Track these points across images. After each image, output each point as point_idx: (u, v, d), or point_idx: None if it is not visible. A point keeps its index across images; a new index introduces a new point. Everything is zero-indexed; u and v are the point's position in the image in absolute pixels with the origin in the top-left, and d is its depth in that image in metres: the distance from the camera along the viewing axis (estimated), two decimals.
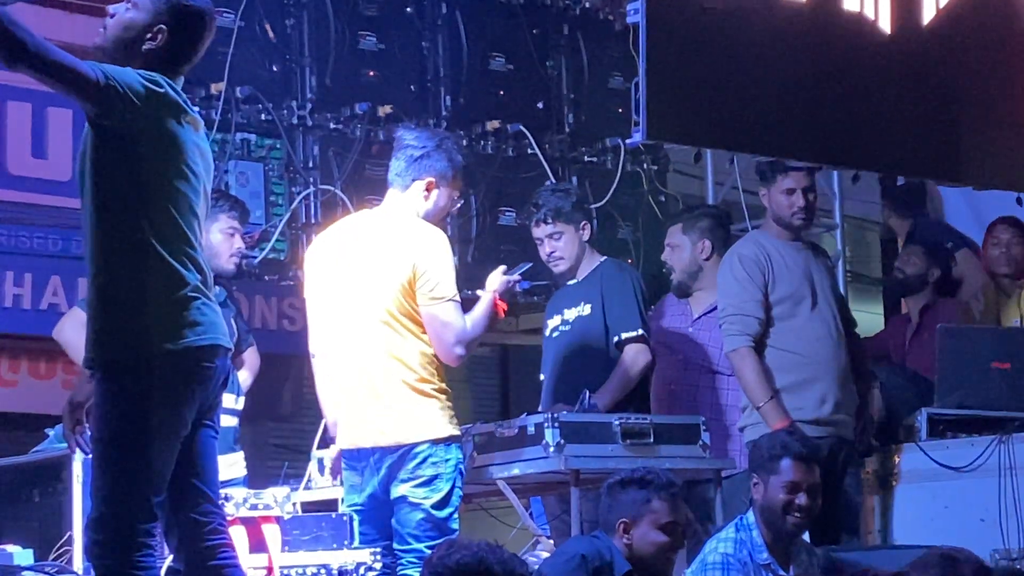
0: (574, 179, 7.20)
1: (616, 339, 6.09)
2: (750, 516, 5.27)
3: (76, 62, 3.93)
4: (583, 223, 6.22)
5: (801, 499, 5.20)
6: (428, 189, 5.28)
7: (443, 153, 5.29)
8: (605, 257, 6.33)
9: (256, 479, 6.24)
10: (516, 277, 5.41)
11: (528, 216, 6.32)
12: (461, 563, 4.04)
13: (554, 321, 6.31)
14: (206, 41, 4.23)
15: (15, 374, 7.67)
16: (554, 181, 6.98)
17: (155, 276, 4.02)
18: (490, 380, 10.38)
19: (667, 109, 5.52)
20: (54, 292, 7.76)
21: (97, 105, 3.97)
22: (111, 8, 4.18)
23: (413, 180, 5.28)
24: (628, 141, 6.21)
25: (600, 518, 5.05)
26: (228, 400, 6.23)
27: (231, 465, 6.22)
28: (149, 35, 4.10)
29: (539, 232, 6.26)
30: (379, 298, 5.18)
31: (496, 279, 5.34)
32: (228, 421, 6.22)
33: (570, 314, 6.22)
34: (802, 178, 6.08)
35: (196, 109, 6.07)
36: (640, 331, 6.08)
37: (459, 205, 5.53)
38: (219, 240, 5.98)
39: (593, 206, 6.99)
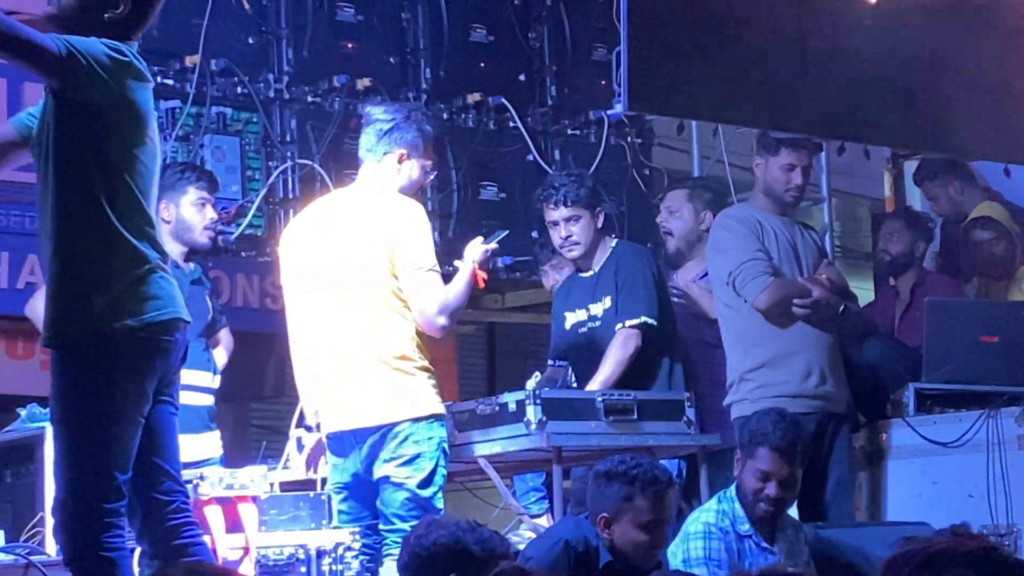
0: (557, 152, 7.11)
1: (619, 326, 6.00)
2: (733, 489, 5.25)
3: (37, 36, 3.86)
4: (598, 209, 6.13)
5: (771, 489, 5.18)
6: (400, 161, 5.21)
7: (412, 124, 5.23)
8: (617, 240, 6.25)
9: (239, 460, 6.16)
10: (494, 246, 5.35)
11: (544, 198, 6.18)
12: (438, 542, 3.97)
13: (577, 315, 6.21)
14: (160, 6, 4.18)
15: None
16: (536, 155, 6.89)
17: (116, 254, 3.99)
18: (477, 358, 10.33)
19: (649, 80, 5.44)
20: (31, 271, 7.66)
21: (61, 79, 3.92)
22: None
23: (384, 154, 5.21)
24: (610, 113, 6.13)
25: (587, 505, 4.97)
26: (204, 379, 6.17)
27: (207, 444, 6.15)
28: (110, 3, 4.03)
29: (555, 215, 6.14)
30: (358, 277, 5.10)
31: (475, 249, 5.27)
32: (203, 400, 6.16)
33: (596, 309, 6.14)
34: (804, 156, 6.03)
35: (171, 82, 6.15)
36: (642, 319, 5.98)
37: (433, 176, 5.43)
38: (191, 213, 5.92)
39: None
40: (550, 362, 6.34)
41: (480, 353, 10.43)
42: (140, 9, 4.09)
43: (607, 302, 6.08)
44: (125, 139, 4.00)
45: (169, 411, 4.14)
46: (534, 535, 6.10)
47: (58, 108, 3.97)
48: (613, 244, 6.20)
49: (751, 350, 5.95)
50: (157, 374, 4.03)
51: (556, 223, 6.16)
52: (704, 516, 5.17)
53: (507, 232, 5.50)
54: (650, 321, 5.99)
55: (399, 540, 5.03)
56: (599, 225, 6.14)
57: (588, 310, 6.17)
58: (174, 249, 6.02)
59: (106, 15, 4.03)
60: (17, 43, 3.82)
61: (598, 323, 6.12)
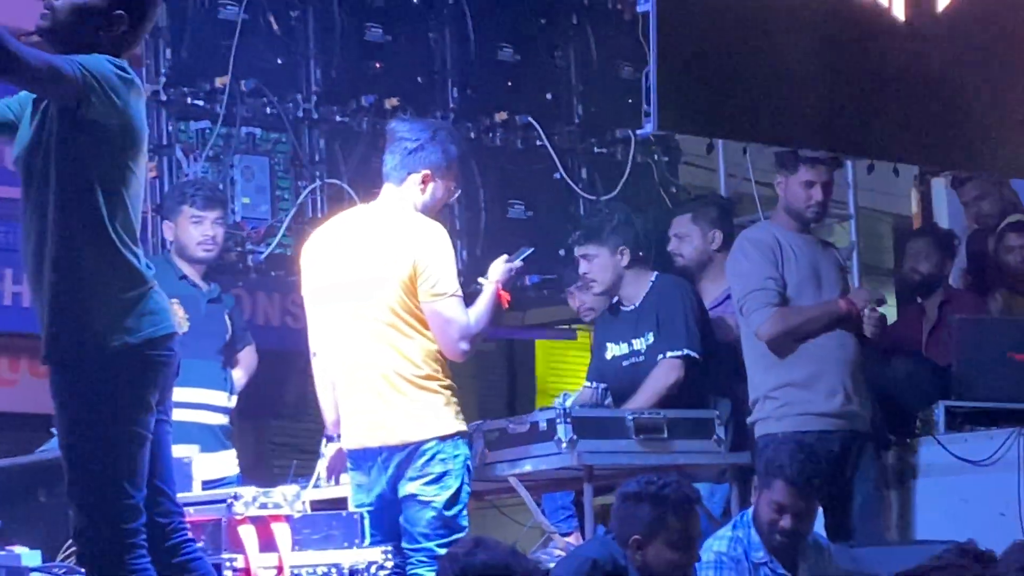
0: (584, 171, 7.12)
1: (660, 357, 6.00)
2: (749, 514, 5.26)
3: (53, 61, 3.87)
4: (620, 247, 6.12)
5: (785, 521, 5.18)
6: (424, 182, 5.17)
7: (438, 145, 5.17)
8: (656, 274, 6.22)
9: (260, 478, 6.17)
10: (518, 263, 5.31)
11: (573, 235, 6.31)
12: (489, 564, 3.96)
13: (619, 348, 6.21)
14: (153, 23, 4.20)
15: (15, 373, 7.56)
16: (563, 173, 6.92)
17: (116, 271, 4.00)
18: (497, 376, 10.32)
19: (678, 99, 5.44)
20: None
21: (75, 101, 3.92)
22: None
23: (408, 174, 5.16)
24: (639, 132, 6.12)
25: (613, 527, 4.96)
26: (220, 398, 6.22)
27: (224, 463, 6.18)
28: (106, 20, 4.03)
29: (577, 252, 6.23)
30: (380, 295, 5.08)
31: (498, 268, 5.24)
32: (219, 419, 6.21)
33: (638, 344, 6.13)
34: (823, 172, 6.01)
35: (200, 103, 6.19)
36: (683, 351, 5.97)
37: (456, 195, 5.41)
38: (185, 231, 6.01)
39: (603, 198, 6.91)
40: (587, 384, 6.35)
41: (500, 371, 10.42)
42: (135, 30, 4.10)
43: (650, 338, 6.07)
44: (126, 156, 4.02)
45: (165, 430, 4.14)
46: (563, 554, 6.12)
47: (64, 127, 3.96)
48: (653, 278, 6.19)
49: (774, 368, 5.94)
50: (158, 387, 4.05)
51: (578, 260, 6.22)
52: (716, 545, 5.17)
53: (531, 250, 5.42)
54: (692, 354, 5.97)
55: (424, 559, 5.05)
56: (624, 263, 6.12)
57: (631, 345, 6.17)
58: (188, 268, 6.06)
59: (101, 33, 4.03)
60: (35, 71, 3.82)
61: (641, 358, 6.11)
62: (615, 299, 6.30)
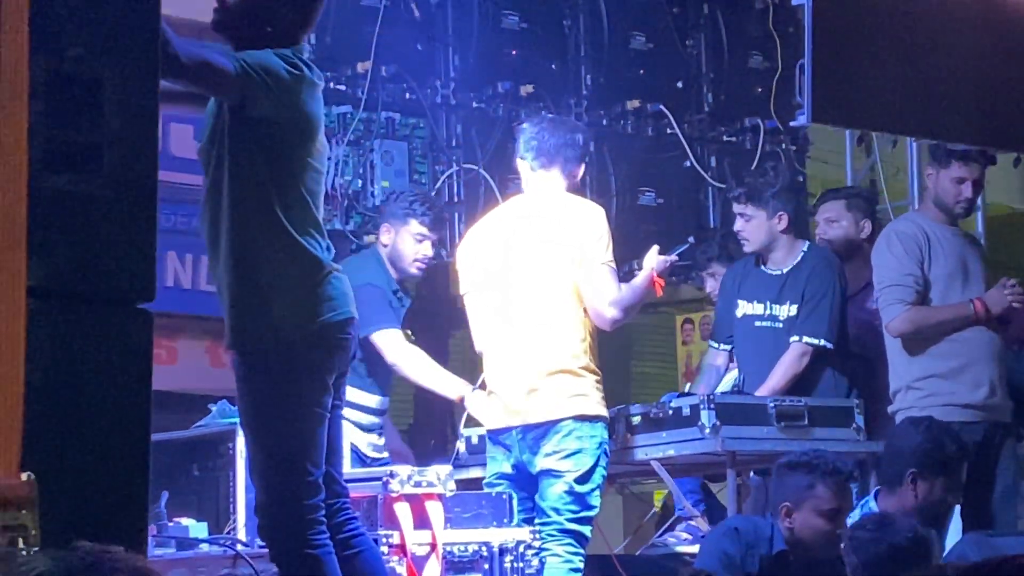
0: (713, 159, 7.18)
1: (795, 338, 6.01)
2: (872, 503, 5.31)
3: (213, 57, 3.91)
4: (780, 213, 6.13)
5: (953, 498, 5.26)
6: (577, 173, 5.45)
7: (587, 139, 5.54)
8: (808, 244, 6.23)
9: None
10: (674, 258, 5.47)
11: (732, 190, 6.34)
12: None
13: (753, 308, 6.21)
14: (321, 6, 4.26)
15: (173, 353, 7.65)
16: (693, 161, 6.97)
17: (294, 263, 4.06)
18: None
19: (832, 92, 5.45)
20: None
21: (239, 98, 3.97)
22: None
23: (579, 165, 5.42)
24: (792, 123, 6.18)
25: (769, 499, 5.07)
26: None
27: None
28: (273, 9, 4.09)
29: (736, 209, 6.25)
30: (544, 275, 5.27)
31: (654, 257, 5.40)
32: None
33: (780, 311, 6.11)
34: (975, 169, 6.02)
35: (343, 88, 6.27)
36: (820, 341, 5.97)
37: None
38: (407, 244, 5.93)
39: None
40: (712, 344, 6.41)
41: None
42: (304, 14, 4.17)
43: (793, 309, 6.07)
44: (300, 149, 4.06)
45: (337, 414, 4.24)
46: (690, 536, 6.21)
47: (234, 122, 4.02)
48: (805, 248, 6.20)
49: (918, 359, 5.96)
50: (335, 369, 4.14)
51: (736, 216, 6.26)
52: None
53: (687, 245, 5.61)
54: (828, 345, 5.98)
55: (555, 534, 5.16)
56: (781, 228, 6.12)
57: (770, 308, 6.15)
58: (393, 275, 6.04)
59: (269, 23, 4.09)
60: (195, 70, 3.86)
61: (779, 325, 6.09)
62: (756, 259, 6.26)
